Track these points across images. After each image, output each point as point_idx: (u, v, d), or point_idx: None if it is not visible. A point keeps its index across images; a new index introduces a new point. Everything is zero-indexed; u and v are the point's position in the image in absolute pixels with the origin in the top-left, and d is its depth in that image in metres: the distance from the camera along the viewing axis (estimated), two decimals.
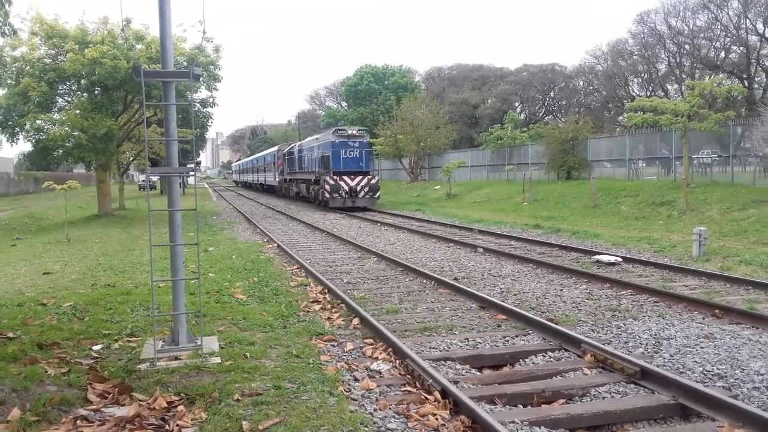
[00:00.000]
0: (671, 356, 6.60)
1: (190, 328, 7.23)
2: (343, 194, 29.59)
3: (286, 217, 27.29)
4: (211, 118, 30.22)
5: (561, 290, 10.20)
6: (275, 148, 50.70)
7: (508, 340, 7.42)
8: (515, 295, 9.95)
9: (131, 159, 40.48)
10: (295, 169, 39.34)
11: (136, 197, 47.12)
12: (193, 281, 9.53)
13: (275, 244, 16.61)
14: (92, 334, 7.65)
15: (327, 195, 29.67)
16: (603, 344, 6.86)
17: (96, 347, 7.13)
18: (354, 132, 30.91)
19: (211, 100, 28.47)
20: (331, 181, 29.56)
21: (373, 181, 30.38)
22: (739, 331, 7.44)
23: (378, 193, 30.86)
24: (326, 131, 33.80)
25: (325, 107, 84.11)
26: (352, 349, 7.11)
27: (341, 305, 9.19)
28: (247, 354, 6.75)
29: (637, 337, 7.33)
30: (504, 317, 8.40)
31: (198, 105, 28.18)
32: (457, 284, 10.43)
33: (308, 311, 8.96)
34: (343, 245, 16.71)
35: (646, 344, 7.06)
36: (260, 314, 8.62)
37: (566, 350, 6.94)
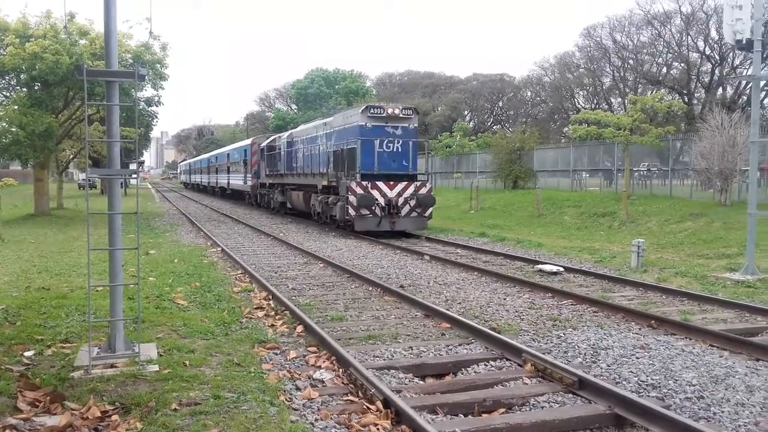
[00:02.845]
0: (608, 366, 6.75)
1: (128, 335, 7.04)
2: (378, 211, 19.29)
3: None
4: (156, 117, 29.64)
5: (504, 299, 10.34)
6: (246, 142, 39.72)
7: (451, 349, 7.46)
8: (460, 303, 10.03)
9: (71, 157, 39.27)
10: (282, 169, 28.62)
11: (76, 196, 45.71)
12: (132, 286, 9.29)
13: (219, 248, 16.35)
14: (24, 339, 7.38)
15: (351, 212, 19.15)
16: (543, 354, 6.96)
17: (28, 353, 6.87)
18: (397, 112, 19.86)
19: (156, 98, 27.93)
20: (359, 190, 19.10)
21: (423, 191, 19.90)
22: (673, 342, 7.67)
23: (430, 210, 20.22)
24: (348, 110, 23.28)
25: (275, 109, 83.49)
26: (295, 357, 7.04)
27: (285, 312, 9.10)
28: (187, 362, 6.61)
29: (576, 346, 7.47)
30: (448, 326, 8.45)
31: (143, 104, 27.56)
32: (402, 292, 10.47)
33: (252, 318, 8.84)
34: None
35: (585, 354, 7.20)
36: (201, 321, 8.46)
37: (508, 359, 7.02)
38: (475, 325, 8.15)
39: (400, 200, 19.49)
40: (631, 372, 6.52)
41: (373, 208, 19.16)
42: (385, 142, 19.73)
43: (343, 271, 12.88)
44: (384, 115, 19.67)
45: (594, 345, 7.49)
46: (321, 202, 22.25)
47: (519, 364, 6.81)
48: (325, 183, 21.68)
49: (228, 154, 45.58)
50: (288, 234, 20.89)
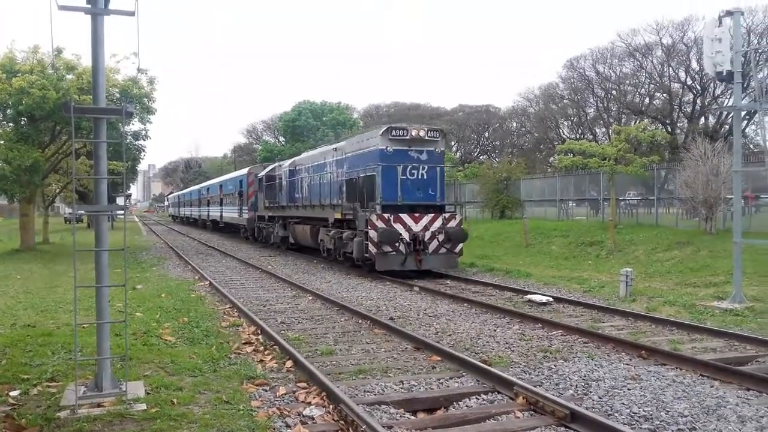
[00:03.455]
0: (600, 398, 6.73)
1: (115, 373, 6.94)
2: (402, 248, 16.79)
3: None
4: (143, 150, 29.59)
5: (495, 330, 10.31)
6: (242, 172, 37.15)
7: (442, 383, 7.42)
8: (450, 335, 9.99)
9: (57, 191, 39.07)
10: (283, 201, 26.14)
11: (62, 230, 45.37)
12: (119, 323, 9.19)
13: (207, 282, 16.24)
14: (9, 378, 7.27)
15: (372, 249, 16.63)
16: (534, 386, 6.93)
17: (13, 393, 6.76)
18: (422, 134, 17.51)
19: (144, 132, 27.91)
20: (380, 224, 16.59)
21: (452, 224, 17.41)
22: (664, 372, 7.66)
23: (461, 246, 17.72)
24: (364, 133, 20.29)
25: (262, 141, 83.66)
26: (285, 394, 6.96)
27: (274, 347, 9.02)
28: (175, 400, 6.53)
29: (567, 378, 7.45)
30: (439, 359, 8.41)
31: (130, 138, 27.56)
32: (392, 324, 10.42)
33: (240, 353, 8.75)
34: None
35: (576, 386, 7.18)
36: (189, 357, 8.37)
37: (499, 392, 6.98)
38: (466, 357, 8.12)
39: (427, 235, 17.03)
40: (623, 404, 6.49)
41: (397, 244, 16.66)
42: (409, 168, 17.32)
43: (332, 303, 12.82)
44: (407, 137, 17.31)
45: (585, 376, 7.48)
46: (333, 238, 19.63)
47: (511, 398, 6.77)
48: (337, 216, 19.13)
49: (221, 185, 43.06)
50: (277, 267, 20.79)
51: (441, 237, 17.11)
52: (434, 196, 17.74)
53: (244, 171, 35.91)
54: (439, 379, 7.52)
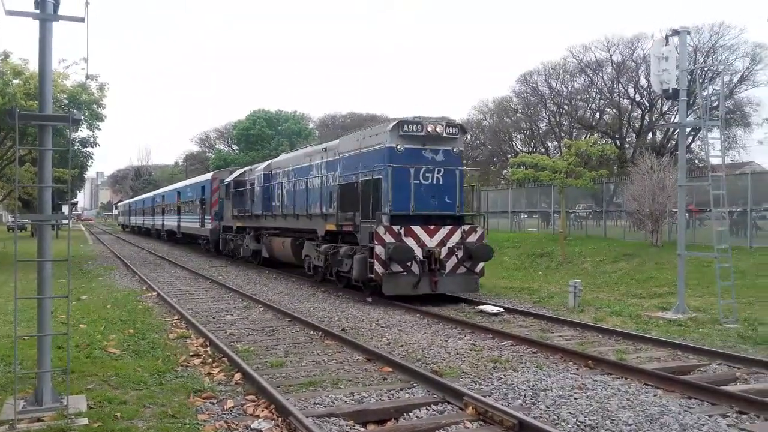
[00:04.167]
0: (547, 407, 6.81)
1: (56, 386, 6.72)
2: (416, 267, 14.05)
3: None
4: (91, 157, 28.90)
5: (446, 341, 10.36)
6: (204, 177, 33.76)
7: (393, 394, 7.40)
8: (402, 346, 9.99)
9: (0, 199, 37.84)
10: (256, 210, 22.89)
11: (5, 239, 43.89)
12: (61, 335, 8.92)
13: (155, 293, 15.90)
14: None
15: (378, 268, 13.89)
16: (484, 396, 6.99)
17: None
18: (439, 129, 14.69)
19: (92, 139, 27.28)
20: (389, 238, 13.95)
21: (473, 238, 14.75)
22: (609, 382, 7.81)
23: (482, 265, 15.02)
24: (366, 129, 16.81)
25: (215, 150, 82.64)
26: (233, 407, 6.85)
27: (223, 359, 8.88)
28: (118, 414, 6.36)
29: (516, 388, 7.53)
30: (390, 370, 8.39)
31: (78, 145, 26.90)
32: (344, 336, 10.38)
33: (187, 366, 8.58)
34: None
35: (525, 395, 7.25)
36: (135, 370, 8.18)
37: (449, 403, 7.00)
38: (417, 368, 8.13)
39: (444, 251, 14.32)
40: (570, 413, 6.59)
41: (411, 263, 13.92)
42: (423, 171, 14.48)
43: (283, 314, 12.70)
44: (422, 133, 14.51)
45: (534, 386, 7.57)
46: (323, 253, 16.69)
47: (460, 408, 6.80)
48: (330, 227, 16.38)
49: (179, 192, 38.88)
50: (228, 277, 20.50)
51: (460, 254, 14.45)
52: (452, 205, 14.90)
53: (208, 176, 32.64)
54: (390, 390, 7.50)
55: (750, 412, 6.65)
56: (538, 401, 7.04)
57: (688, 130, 25.74)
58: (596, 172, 26.10)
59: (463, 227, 14.77)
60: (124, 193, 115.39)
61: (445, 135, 14.73)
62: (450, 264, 14.42)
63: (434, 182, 14.67)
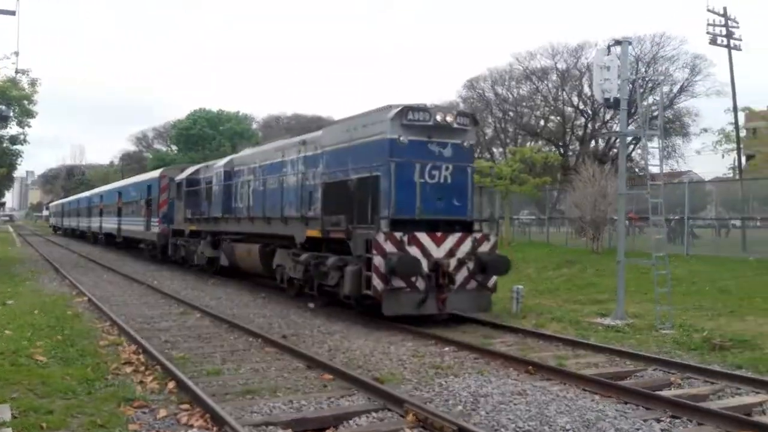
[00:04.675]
0: (487, 413, 6.79)
1: None
2: (421, 282, 11.89)
3: None
4: (20, 156, 27.72)
5: (388, 347, 10.26)
6: (151, 175, 30.79)
7: (333, 402, 7.27)
8: (344, 353, 9.85)
9: None
10: (215, 212, 20.16)
11: None
12: None
13: (85, 298, 15.30)
14: None
15: (377, 284, 11.69)
16: (425, 403, 6.93)
17: None
18: (449, 119, 12.69)
19: (22, 137, 26.18)
20: (389, 247, 11.84)
21: (485, 247, 12.69)
22: (549, 387, 7.86)
23: (494, 279, 12.82)
24: (362, 116, 13.66)
25: (153, 150, 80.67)
26: (166, 416, 6.58)
27: (156, 367, 8.56)
28: (44, 424, 6.07)
29: (457, 394, 7.49)
30: (331, 377, 8.24)
31: (7, 142, 25.79)
32: (284, 342, 10.18)
33: (119, 374, 8.23)
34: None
35: (465, 402, 7.22)
36: (62, 378, 7.80)
37: (390, 410, 6.91)
38: (358, 376, 8.02)
39: (453, 262, 12.20)
40: (509, 418, 6.59)
41: (416, 279, 11.74)
42: (428, 168, 12.37)
43: (222, 321, 12.38)
44: (429, 122, 12.35)
45: (474, 392, 7.55)
46: (303, 264, 14.04)
47: (401, 415, 6.71)
48: (312, 233, 13.91)
49: (120, 192, 35.49)
50: (163, 282, 19.92)
51: (471, 265, 12.33)
52: (462, 209, 12.82)
53: (155, 174, 29.40)
54: (330, 398, 7.36)
55: (683, 416, 6.77)
56: (479, 407, 7.01)
57: (628, 139, 26.46)
58: (540, 179, 26.64)
59: (474, 235, 12.69)
60: (55, 194, 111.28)
61: (455, 125, 12.61)
62: (460, 278, 12.25)
63: (441, 181, 12.51)
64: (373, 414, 6.81)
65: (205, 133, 64.39)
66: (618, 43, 13.26)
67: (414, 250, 11.86)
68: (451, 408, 7.04)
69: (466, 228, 12.91)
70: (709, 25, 32.60)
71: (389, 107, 12.54)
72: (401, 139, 12.22)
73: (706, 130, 42.64)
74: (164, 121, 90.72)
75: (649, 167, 14.23)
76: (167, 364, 8.38)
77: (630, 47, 13.86)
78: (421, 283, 11.81)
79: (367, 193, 12.50)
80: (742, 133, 39.13)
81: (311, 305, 14.62)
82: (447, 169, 12.56)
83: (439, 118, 12.46)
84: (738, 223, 25.78)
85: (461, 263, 12.30)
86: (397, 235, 11.83)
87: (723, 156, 38.26)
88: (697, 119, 46.29)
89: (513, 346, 10.54)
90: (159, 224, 26.49)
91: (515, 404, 7.08)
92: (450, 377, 8.32)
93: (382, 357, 9.57)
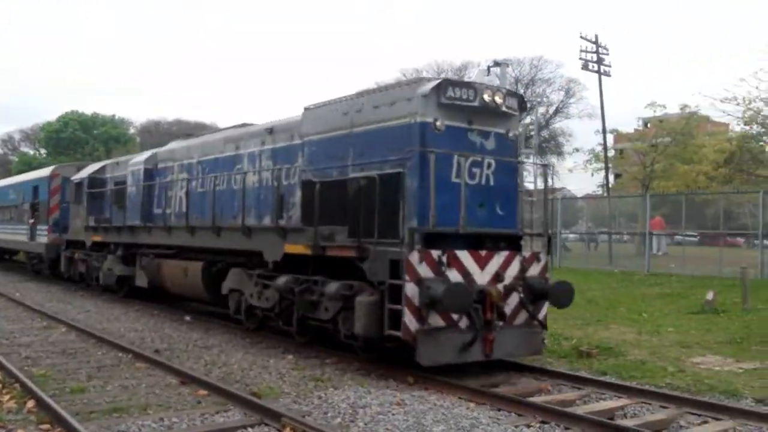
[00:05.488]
0: (365, 425, 6.80)
1: None
2: (463, 320, 8.76)
3: None
4: None
5: (268, 361, 10.05)
6: (39, 173, 25.44)
7: (207, 418, 7.02)
8: (221, 367, 9.56)
9: None
10: (134, 219, 16.13)
11: None
12: None
13: None
14: None
15: (411, 321, 8.40)
16: (303, 416, 6.84)
17: None
18: (498, 100, 9.44)
19: None
20: (427, 272, 8.57)
21: (534, 270, 9.66)
22: (426, 396, 7.97)
23: (545, 312, 9.82)
24: (380, 91, 10.33)
25: (19, 153, 75.37)
26: None
27: (15, 384, 7.94)
28: None
29: (336, 406, 7.44)
30: (206, 393, 7.97)
31: None
32: (157, 358, 9.76)
33: None
34: None
35: (344, 414, 7.18)
36: None
37: (267, 424, 6.77)
38: (234, 390, 7.80)
39: (500, 290, 9.16)
40: (387, 429, 6.63)
41: (459, 318, 8.77)
42: (468, 164, 9.24)
43: (89, 335, 11.68)
44: (474, 103, 9.28)
45: (354, 403, 7.53)
46: (280, 290, 10.57)
47: (278, 429, 6.59)
48: (297, 249, 10.34)
49: None
50: (26, 293, 18.56)
51: (521, 295, 9.40)
52: (508, 219, 9.87)
53: (44, 172, 24.36)
54: (204, 414, 7.10)
55: (551, 421, 7.08)
56: (357, 419, 7.00)
57: None
58: None
59: (523, 254, 9.77)
60: None
61: (504, 109, 9.60)
62: (508, 311, 9.32)
63: (483, 182, 9.49)
64: (249, 429, 6.65)
65: (77, 137, 61.07)
66: (497, 64, 13.82)
67: (454, 275, 8.81)
68: (330, 420, 6.99)
69: (513, 244, 9.90)
70: (582, 51, 34.91)
71: (420, 80, 9.66)
72: (438, 124, 9.11)
73: (578, 150, 45.47)
74: (32, 122, 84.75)
75: (525, 184, 14.86)
76: (26, 381, 7.83)
77: (510, 69, 14.52)
78: (463, 320, 8.86)
79: (386, 196, 9.13)
80: (611, 153, 41.98)
81: (187, 318, 14.12)
82: (489, 166, 9.55)
83: (486, 97, 9.39)
84: (605, 237, 27.54)
85: (509, 291, 9.31)
86: (434, 254, 8.70)
87: (592, 174, 40.88)
88: (570, 139, 49.22)
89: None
90: (48, 233, 21.97)
91: (393, 414, 7.12)
92: (330, 389, 8.26)
93: (261, 371, 9.36)
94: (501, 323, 9.08)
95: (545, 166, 11.02)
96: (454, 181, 9.06)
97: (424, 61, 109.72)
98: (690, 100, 63.99)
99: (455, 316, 8.76)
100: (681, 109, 35.74)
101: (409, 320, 8.42)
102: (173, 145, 16.72)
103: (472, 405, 7.67)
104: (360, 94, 10.43)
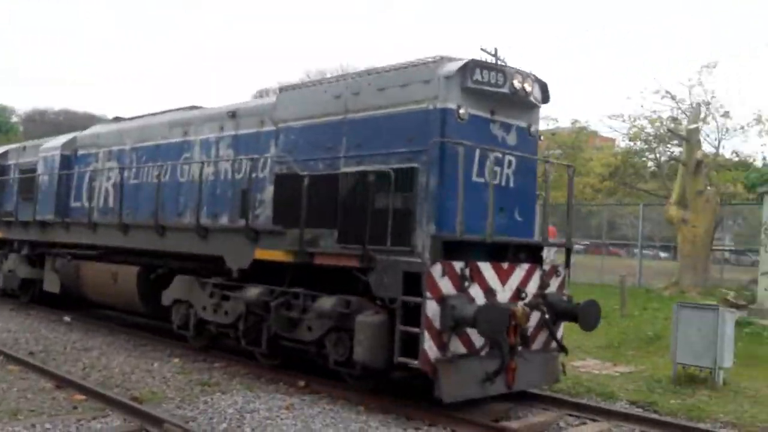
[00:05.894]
0: (252, 430, 6.69)
1: None
2: (483, 351, 7.49)
3: None
4: None
5: (152, 364, 9.67)
6: None
7: (83, 424, 6.69)
8: (100, 371, 9.13)
9: None
10: (45, 212, 13.76)
11: None
12: None
13: None
14: None
15: (431, 348, 7.03)
16: (186, 422, 6.64)
17: None
18: (527, 87, 8.11)
19: None
20: (446, 286, 7.22)
21: (553, 284, 8.39)
22: (317, 400, 7.91)
23: (561, 332, 8.52)
24: (386, 71, 8.31)
25: None
26: None
27: None
28: None
29: (222, 411, 7.26)
30: (83, 397, 7.59)
31: None
32: (31, 360, 9.19)
33: None
34: None
35: (231, 419, 7.02)
36: None
37: (147, 430, 6.52)
38: (113, 395, 7.47)
39: (525, 309, 7.75)
40: None
41: (480, 344, 7.51)
42: (489, 161, 7.81)
43: None
44: (504, 89, 7.95)
45: (241, 408, 7.39)
46: (247, 304, 8.94)
47: None
48: (275, 255, 8.66)
49: None
50: None
51: (543, 313, 8.14)
52: (527, 227, 8.59)
53: None
54: (80, 420, 6.77)
55: (439, 424, 7.19)
56: (244, 424, 6.86)
57: None
58: None
59: (543, 267, 8.45)
60: None
61: (531, 98, 8.30)
62: (529, 332, 7.99)
63: (502, 183, 8.10)
64: None
65: None
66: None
67: (476, 291, 7.51)
68: (215, 426, 6.80)
69: (533, 255, 8.52)
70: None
71: (441, 59, 7.86)
72: (461, 112, 7.65)
73: None
74: None
75: None
76: None
77: None
78: (487, 349, 7.58)
79: (395, 196, 7.68)
80: None
81: (66, 318, 13.34)
82: (510, 164, 8.18)
83: (517, 84, 8.04)
84: None
85: (530, 310, 7.90)
86: (457, 266, 7.39)
87: None
88: None
89: None
90: None
91: (282, 419, 7.03)
92: (217, 394, 8.04)
93: (145, 375, 9.00)
94: (521, 348, 7.68)
95: (570, 167, 9.47)
96: (475, 181, 7.71)
97: (329, 63, 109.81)
98: (580, 115, 67.48)
99: (478, 342, 7.43)
100: (572, 123, 37.48)
101: (429, 346, 7.03)
102: (98, 128, 14.28)
103: (362, 408, 7.66)
104: (359, 74, 8.90)
